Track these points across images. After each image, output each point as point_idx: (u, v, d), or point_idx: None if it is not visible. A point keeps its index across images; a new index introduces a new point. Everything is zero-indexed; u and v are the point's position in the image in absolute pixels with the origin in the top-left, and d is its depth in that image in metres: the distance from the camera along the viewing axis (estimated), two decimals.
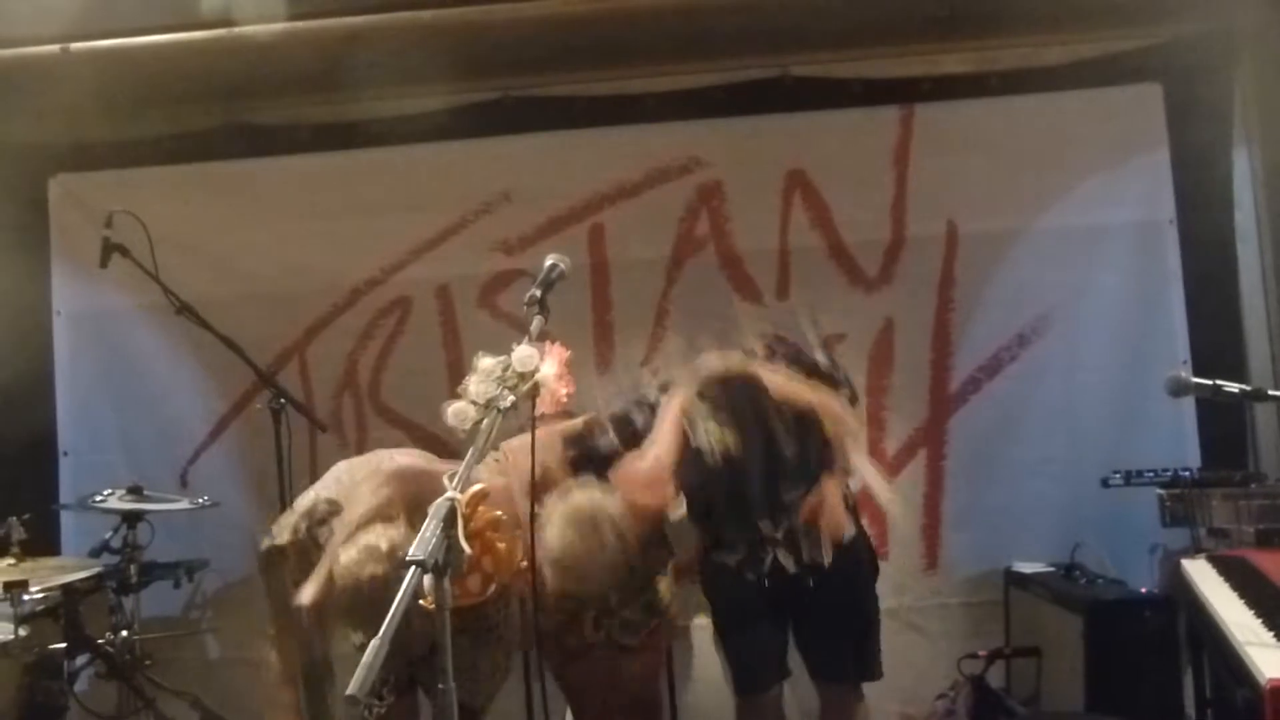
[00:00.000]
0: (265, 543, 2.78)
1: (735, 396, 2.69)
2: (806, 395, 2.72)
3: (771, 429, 2.67)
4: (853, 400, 2.87)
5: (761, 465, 2.67)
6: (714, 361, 2.78)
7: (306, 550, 2.69)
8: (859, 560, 2.80)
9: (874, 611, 2.85)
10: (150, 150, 3.94)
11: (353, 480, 2.80)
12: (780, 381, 2.74)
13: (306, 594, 2.58)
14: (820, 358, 2.87)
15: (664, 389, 2.82)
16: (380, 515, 2.51)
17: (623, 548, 2.48)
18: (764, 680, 2.77)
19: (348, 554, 2.44)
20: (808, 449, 2.70)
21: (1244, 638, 2.13)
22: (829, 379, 2.80)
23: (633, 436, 2.73)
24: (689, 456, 2.67)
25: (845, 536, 2.71)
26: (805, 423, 2.70)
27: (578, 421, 2.81)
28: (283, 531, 2.76)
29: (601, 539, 2.45)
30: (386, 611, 2.13)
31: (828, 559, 2.67)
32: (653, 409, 2.77)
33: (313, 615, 2.58)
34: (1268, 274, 3.79)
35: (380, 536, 2.42)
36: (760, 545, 2.71)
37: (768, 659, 2.75)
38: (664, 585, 2.83)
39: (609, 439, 2.73)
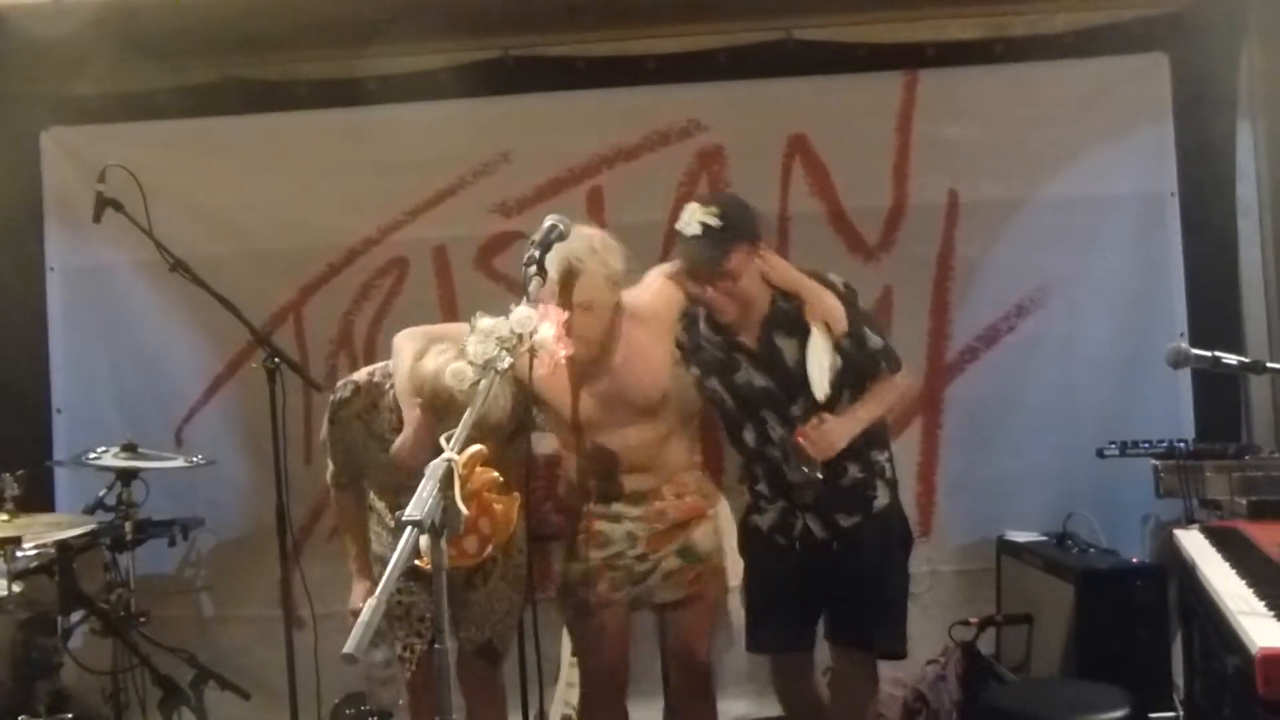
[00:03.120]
0: (338, 393, 2.77)
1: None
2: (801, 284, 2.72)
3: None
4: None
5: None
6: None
7: (381, 394, 2.71)
8: (889, 531, 2.74)
9: (897, 585, 2.77)
10: (145, 104, 3.88)
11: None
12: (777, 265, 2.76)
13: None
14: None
15: None
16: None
17: None
18: (776, 641, 2.78)
19: (427, 363, 2.44)
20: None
21: (1236, 607, 2.14)
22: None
23: None
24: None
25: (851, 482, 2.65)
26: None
27: None
28: (354, 378, 2.80)
29: None
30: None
31: (818, 473, 2.58)
32: None
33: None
34: (1267, 248, 3.79)
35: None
36: (790, 511, 2.68)
37: (784, 621, 2.74)
38: (699, 531, 2.71)
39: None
